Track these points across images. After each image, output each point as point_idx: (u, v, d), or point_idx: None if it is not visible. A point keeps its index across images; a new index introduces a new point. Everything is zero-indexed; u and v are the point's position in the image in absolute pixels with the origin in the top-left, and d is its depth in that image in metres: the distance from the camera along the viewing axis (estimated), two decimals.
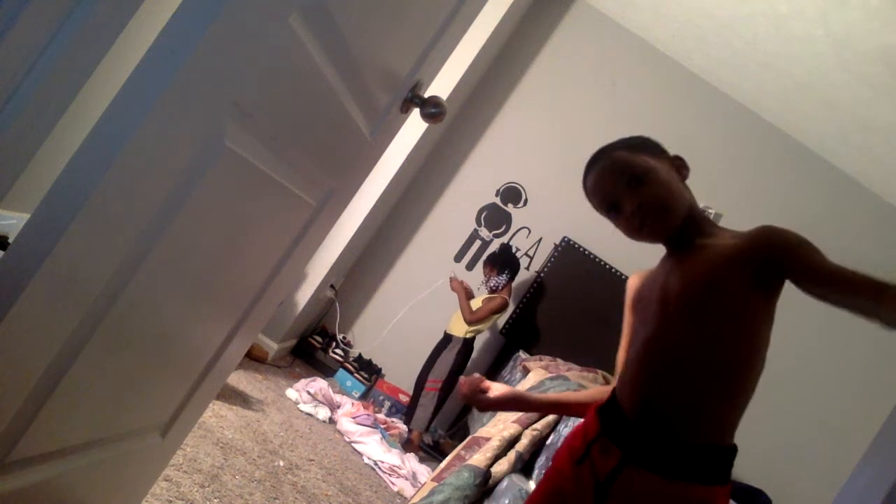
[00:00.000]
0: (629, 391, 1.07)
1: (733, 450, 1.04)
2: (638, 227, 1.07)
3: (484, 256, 3.89)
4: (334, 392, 3.33)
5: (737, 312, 1.00)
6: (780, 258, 0.99)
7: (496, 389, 1.25)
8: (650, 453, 1.01)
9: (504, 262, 3.67)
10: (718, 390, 1.01)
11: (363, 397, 3.73)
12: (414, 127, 3.43)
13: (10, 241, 1.41)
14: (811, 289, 0.95)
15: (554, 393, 1.33)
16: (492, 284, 3.63)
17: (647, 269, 1.20)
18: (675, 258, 1.10)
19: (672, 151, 1.15)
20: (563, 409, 1.35)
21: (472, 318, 3.53)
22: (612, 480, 1.02)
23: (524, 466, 2.11)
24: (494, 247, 4.14)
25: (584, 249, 3.97)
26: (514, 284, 3.74)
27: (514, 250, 3.99)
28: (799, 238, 0.99)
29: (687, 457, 1.00)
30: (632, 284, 1.21)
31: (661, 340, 1.05)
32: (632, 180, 1.07)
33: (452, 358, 3.52)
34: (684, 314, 1.03)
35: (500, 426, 2.25)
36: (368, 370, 3.89)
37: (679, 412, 1.01)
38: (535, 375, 2.89)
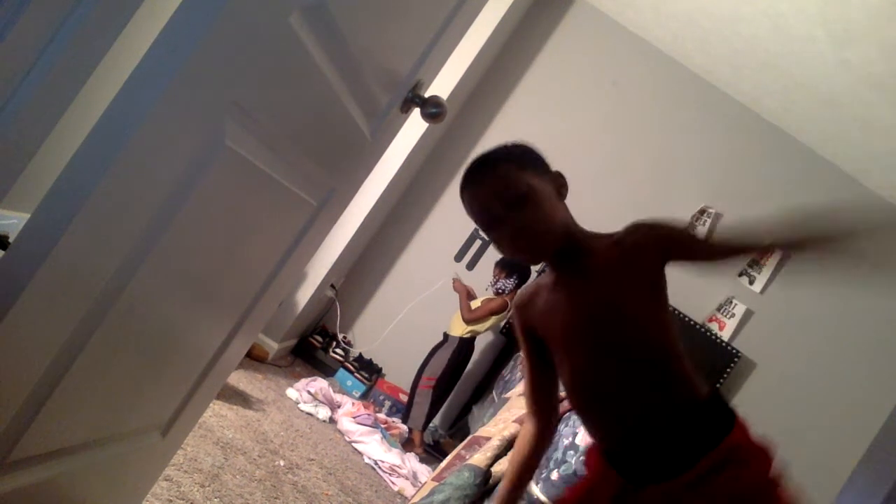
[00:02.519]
0: (610, 429, 1.07)
1: (716, 394, 1.05)
2: (517, 249, 1.06)
3: (494, 258, 3.88)
4: (335, 392, 3.33)
5: (648, 314, 1.03)
6: (668, 252, 1.03)
7: None
8: (673, 460, 1.00)
9: (515, 267, 3.67)
10: (672, 373, 1.03)
11: (363, 397, 3.73)
12: (414, 127, 3.43)
13: (11, 241, 1.41)
14: (704, 265, 1.03)
15: (504, 482, 1.31)
16: (498, 287, 3.63)
17: (528, 291, 1.18)
18: (567, 281, 1.09)
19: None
20: (525, 479, 1.29)
21: (470, 317, 3.54)
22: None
23: None
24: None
25: None
26: None
27: None
28: (671, 226, 1.04)
29: (696, 433, 1.00)
30: (521, 310, 1.19)
31: (600, 372, 1.05)
32: (513, 202, 1.03)
33: (448, 356, 3.52)
34: (606, 340, 1.04)
35: (500, 426, 2.25)
36: (369, 370, 3.89)
37: (656, 411, 1.02)
38: None
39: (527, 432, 1.24)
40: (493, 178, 1.06)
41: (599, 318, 1.04)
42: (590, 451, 1.17)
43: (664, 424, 1.00)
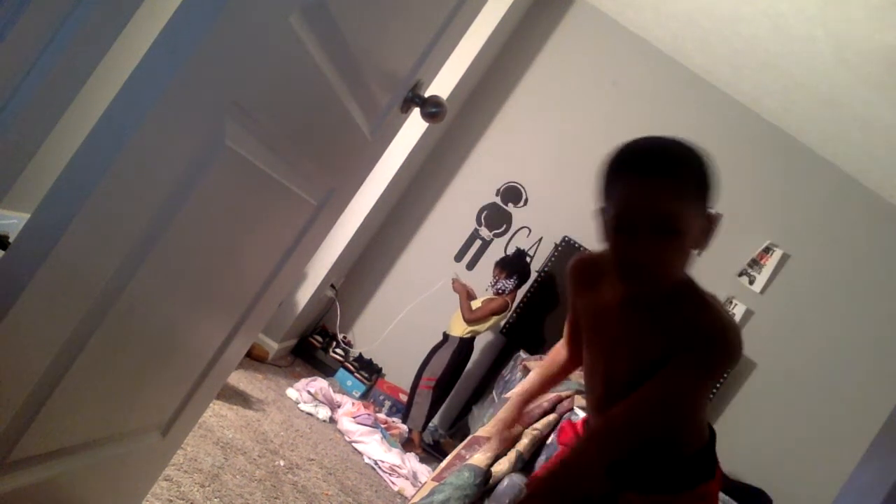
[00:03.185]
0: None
1: (708, 448, 1.09)
2: (622, 263, 1.00)
3: (494, 257, 3.89)
4: (335, 392, 3.33)
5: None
6: (672, 351, 0.98)
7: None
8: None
9: (515, 267, 3.67)
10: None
11: (363, 397, 3.73)
12: (414, 126, 3.43)
13: (11, 241, 1.41)
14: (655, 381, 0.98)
15: (522, 384, 1.37)
16: (498, 287, 3.63)
17: (589, 265, 1.14)
18: (633, 303, 1.05)
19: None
20: (543, 387, 1.35)
21: (470, 318, 3.54)
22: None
23: (525, 466, 2.11)
24: (495, 246, 4.14)
25: (585, 249, 3.97)
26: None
27: (528, 259, 3.97)
28: (712, 363, 0.98)
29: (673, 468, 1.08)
30: (576, 278, 1.17)
31: (604, 379, 1.10)
32: (660, 228, 0.94)
33: (448, 356, 3.52)
34: (632, 375, 1.04)
35: (500, 426, 2.25)
36: (369, 370, 3.89)
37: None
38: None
39: (559, 353, 1.28)
40: (663, 187, 0.94)
41: (640, 367, 1.03)
42: (562, 428, 1.22)
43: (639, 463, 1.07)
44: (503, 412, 1.33)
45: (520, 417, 1.34)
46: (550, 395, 2.26)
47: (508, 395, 2.74)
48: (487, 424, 2.41)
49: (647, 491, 1.07)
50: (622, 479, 1.08)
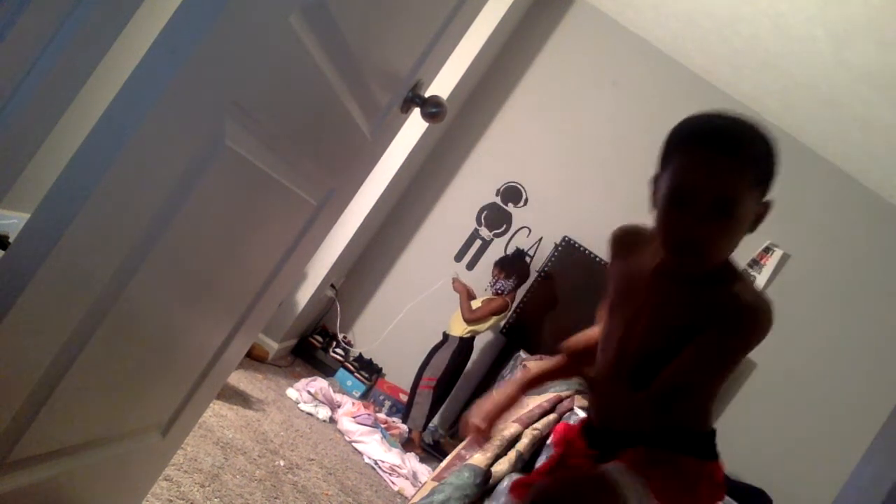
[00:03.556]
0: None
1: (711, 435, 1.08)
2: (678, 250, 0.98)
3: (494, 257, 3.89)
4: (335, 392, 3.33)
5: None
6: (697, 328, 0.96)
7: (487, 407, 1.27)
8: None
9: (514, 267, 3.67)
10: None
11: (363, 397, 3.72)
12: (414, 127, 3.43)
13: (11, 241, 1.41)
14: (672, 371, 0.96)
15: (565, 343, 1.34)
16: (497, 287, 3.64)
17: (633, 238, 1.13)
18: (669, 274, 1.03)
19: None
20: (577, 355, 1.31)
21: (470, 317, 3.54)
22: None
23: (524, 466, 2.11)
24: (495, 246, 4.14)
25: (585, 249, 3.97)
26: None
27: (528, 259, 3.97)
28: (734, 342, 0.97)
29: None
30: (619, 240, 1.15)
31: (617, 355, 1.08)
32: (719, 208, 0.92)
33: (448, 356, 3.53)
34: (643, 344, 1.04)
35: (500, 426, 2.25)
36: (369, 370, 3.89)
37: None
38: (532, 366, 2.88)
39: (595, 330, 1.25)
40: (732, 170, 0.93)
41: (659, 338, 1.02)
42: (557, 430, 1.22)
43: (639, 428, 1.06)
44: (501, 393, 1.30)
45: (517, 397, 1.29)
46: (550, 395, 2.26)
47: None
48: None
49: (652, 444, 1.04)
50: (610, 448, 1.07)
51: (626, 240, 1.14)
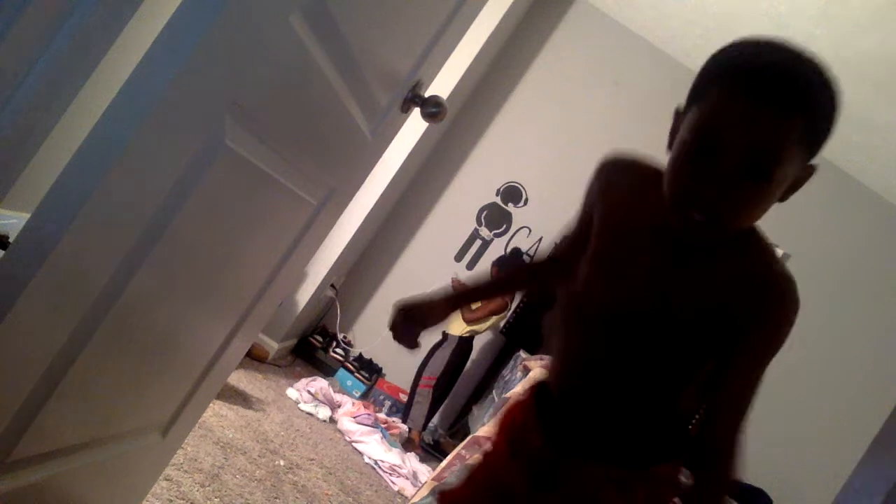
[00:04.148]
0: (572, 370, 0.93)
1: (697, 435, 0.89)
2: (689, 209, 0.76)
3: (495, 257, 3.89)
4: (335, 391, 3.33)
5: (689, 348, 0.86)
6: (740, 334, 0.80)
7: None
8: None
9: (513, 266, 3.68)
10: (666, 392, 0.91)
11: (364, 397, 3.73)
12: (414, 126, 3.43)
13: (11, 241, 1.41)
14: (703, 386, 0.80)
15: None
16: None
17: (627, 177, 0.91)
18: (673, 237, 0.82)
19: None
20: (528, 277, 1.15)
21: (470, 317, 3.54)
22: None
23: None
24: (495, 246, 4.15)
25: None
26: None
27: (526, 259, 3.98)
28: (784, 335, 0.82)
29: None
30: (611, 174, 0.93)
31: (603, 345, 0.89)
32: (754, 172, 0.73)
33: (447, 356, 3.54)
34: (640, 322, 0.86)
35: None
36: (369, 370, 3.89)
37: (629, 401, 0.91)
38: (535, 375, 2.89)
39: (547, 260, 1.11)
40: (779, 124, 0.71)
41: (658, 301, 0.83)
42: (507, 408, 1.03)
43: (625, 412, 0.89)
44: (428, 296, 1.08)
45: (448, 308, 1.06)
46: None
47: (508, 395, 2.75)
48: (487, 424, 2.41)
49: (623, 464, 0.88)
50: (570, 445, 0.90)
51: (620, 175, 0.92)
